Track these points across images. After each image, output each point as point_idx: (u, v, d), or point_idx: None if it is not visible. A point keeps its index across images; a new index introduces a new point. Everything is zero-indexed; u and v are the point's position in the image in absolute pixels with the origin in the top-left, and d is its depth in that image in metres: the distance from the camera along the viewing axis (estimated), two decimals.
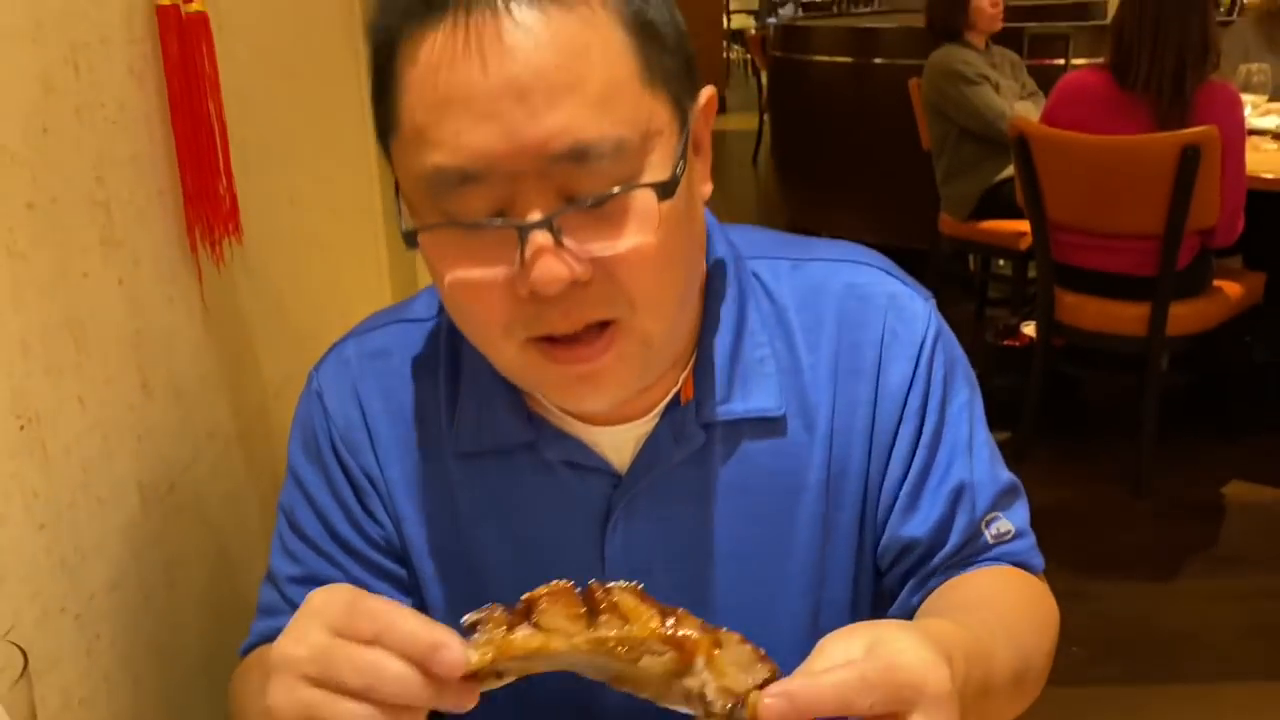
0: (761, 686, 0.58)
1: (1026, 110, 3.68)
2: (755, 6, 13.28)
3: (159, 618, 1.01)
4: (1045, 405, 3.24)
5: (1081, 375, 3.49)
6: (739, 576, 0.85)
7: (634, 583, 0.61)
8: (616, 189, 0.67)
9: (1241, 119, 2.92)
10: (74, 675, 0.86)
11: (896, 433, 0.85)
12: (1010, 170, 3.29)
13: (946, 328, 0.88)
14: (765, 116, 7.35)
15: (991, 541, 0.87)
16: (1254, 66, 3.54)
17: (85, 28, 0.92)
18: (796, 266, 0.87)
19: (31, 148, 0.82)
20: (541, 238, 0.66)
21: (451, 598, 0.88)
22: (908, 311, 0.86)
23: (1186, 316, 2.96)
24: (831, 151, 5.31)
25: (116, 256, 0.95)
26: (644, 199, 0.68)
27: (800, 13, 11.39)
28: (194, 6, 1.04)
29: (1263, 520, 2.98)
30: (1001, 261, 4.29)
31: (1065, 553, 2.64)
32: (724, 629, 0.60)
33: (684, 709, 0.60)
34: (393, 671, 0.58)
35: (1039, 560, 0.90)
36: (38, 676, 0.72)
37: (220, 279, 1.15)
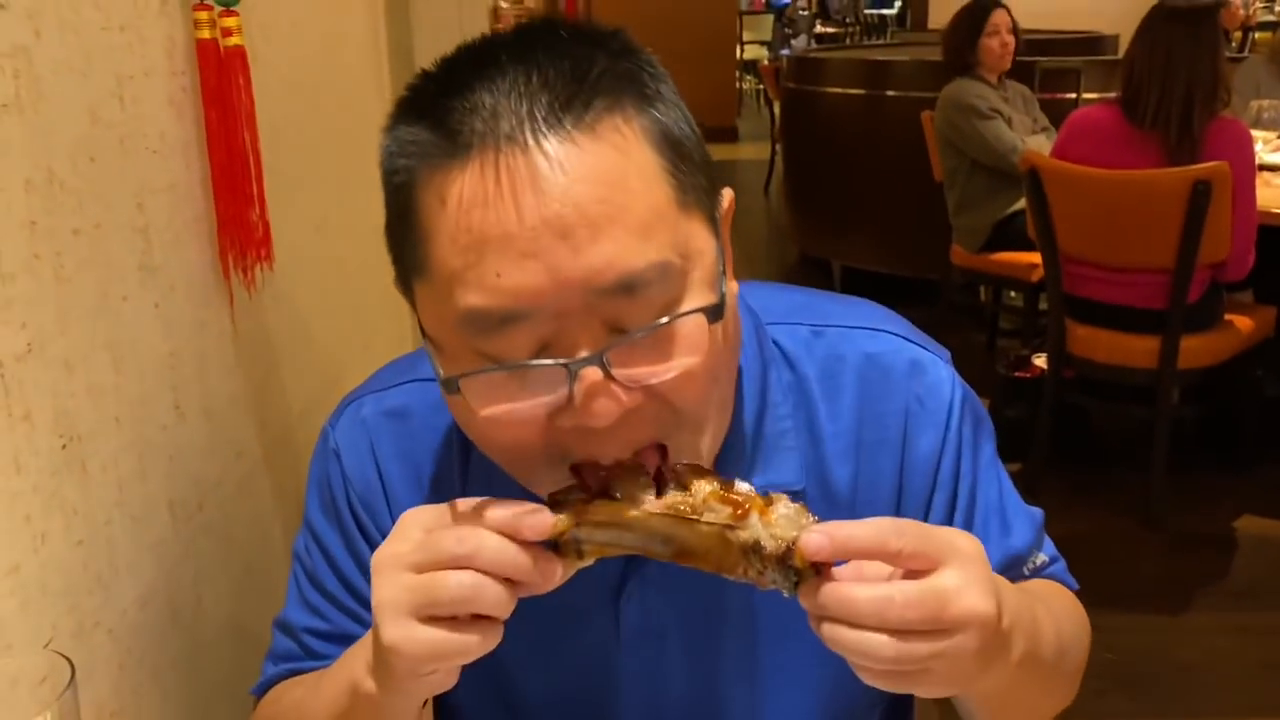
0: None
1: (1039, 144, 3.71)
2: (769, 37, 13.40)
3: (186, 634, 1.04)
4: (1056, 437, 3.25)
5: (1092, 407, 3.49)
6: (753, 641, 0.86)
7: (696, 462, 0.66)
8: (666, 319, 0.65)
9: (1252, 155, 2.94)
10: (107, 689, 0.88)
11: (930, 501, 0.86)
12: (1022, 203, 3.32)
13: (966, 386, 0.88)
14: (777, 146, 7.40)
15: (1028, 574, 0.90)
16: (1265, 103, 3.57)
17: (130, 61, 0.95)
18: (816, 334, 0.86)
19: (80, 176, 0.86)
20: (592, 374, 0.64)
21: (467, 666, 0.89)
22: (930, 378, 0.86)
23: (1197, 350, 2.97)
24: (844, 182, 5.34)
25: (153, 281, 0.98)
26: (693, 323, 0.67)
27: (813, 44, 11.49)
28: (232, 40, 1.08)
29: (1274, 554, 2.98)
30: (1013, 293, 4.30)
31: (1064, 560, 2.63)
32: (775, 494, 0.65)
33: (743, 576, 0.64)
34: (491, 541, 0.62)
35: (1072, 581, 0.93)
36: None
37: (251, 304, 1.18)
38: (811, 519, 0.64)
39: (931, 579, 0.61)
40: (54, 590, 0.81)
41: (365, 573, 0.85)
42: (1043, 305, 3.60)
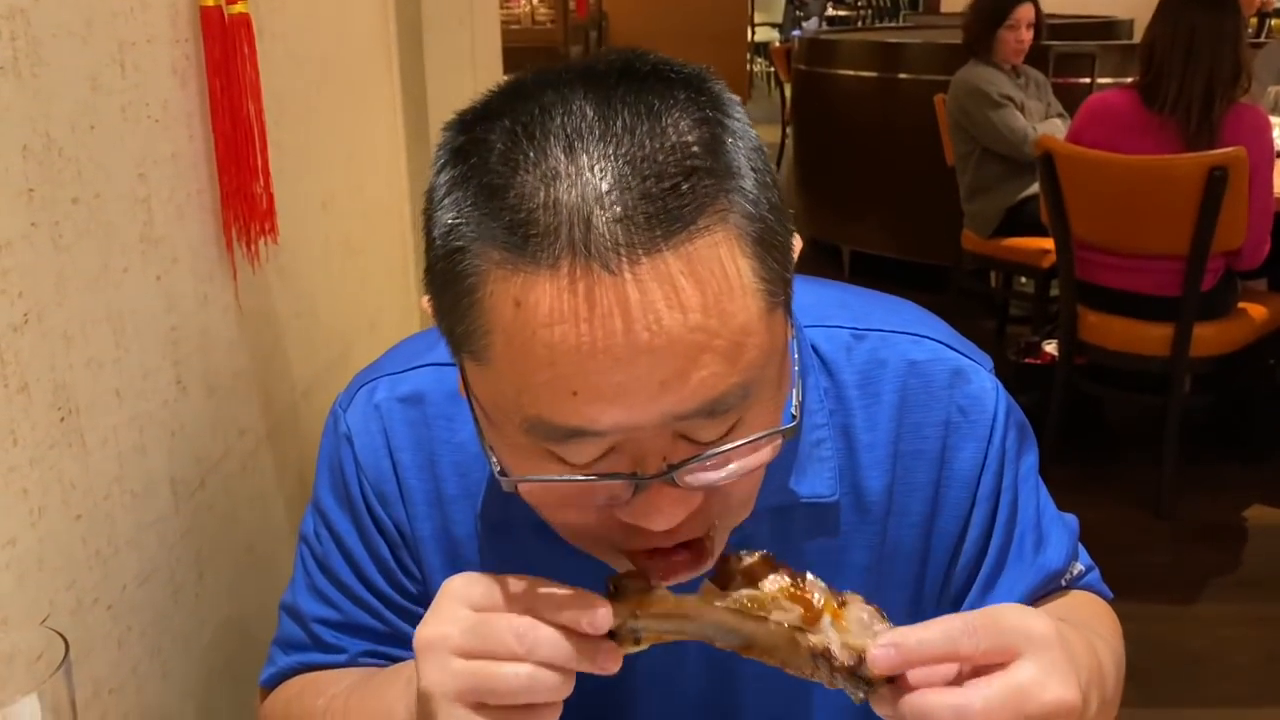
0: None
1: (1053, 129, 3.67)
2: (779, 20, 13.32)
3: (187, 612, 1.02)
4: (1066, 424, 3.23)
5: (1103, 395, 3.47)
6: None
7: (764, 551, 0.64)
8: (742, 441, 0.62)
9: (1270, 142, 2.91)
10: (105, 666, 0.87)
11: (969, 517, 0.83)
12: (1034, 188, 3.29)
13: (1009, 397, 0.85)
14: (788, 129, 7.35)
15: (1065, 585, 0.87)
16: None
17: (132, 27, 0.93)
18: (858, 337, 0.83)
19: (79, 144, 0.84)
20: (657, 485, 0.61)
21: None
22: (974, 388, 0.82)
23: (1210, 338, 2.94)
24: (854, 166, 5.31)
25: (155, 253, 0.97)
26: (767, 441, 0.64)
27: (824, 26, 11.41)
28: (237, 8, 1.06)
29: None
30: (1023, 279, 4.27)
31: (1098, 569, 2.61)
32: (848, 590, 0.63)
33: (809, 676, 0.62)
34: (546, 633, 0.60)
35: (1107, 590, 0.90)
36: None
37: (254, 279, 1.17)
38: (884, 624, 0.61)
39: (1009, 674, 0.58)
40: (52, 565, 0.80)
41: (378, 563, 0.85)
42: (1054, 292, 3.57)
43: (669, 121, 0.59)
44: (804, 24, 11.43)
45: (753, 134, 0.64)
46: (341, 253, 1.54)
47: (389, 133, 1.89)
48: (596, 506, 0.64)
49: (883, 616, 0.61)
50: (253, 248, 1.12)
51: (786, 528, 0.81)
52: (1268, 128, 2.91)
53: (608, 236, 0.56)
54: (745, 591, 0.62)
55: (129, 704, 0.90)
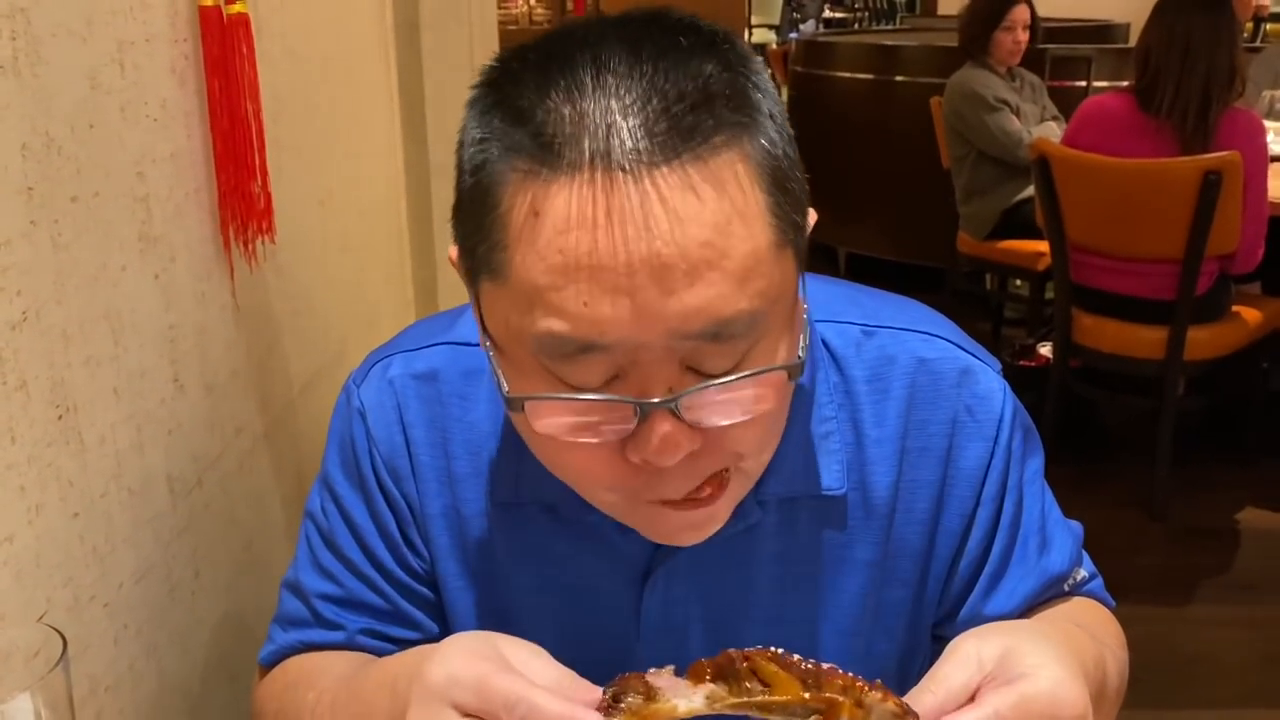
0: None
1: (1048, 132, 3.68)
2: (776, 21, 13.32)
3: (183, 610, 1.03)
4: (1061, 427, 3.24)
5: (1098, 398, 3.48)
6: (776, 644, 0.85)
7: (773, 648, 0.62)
8: (748, 373, 0.63)
9: (1264, 146, 2.92)
10: (101, 663, 0.87)
11: (973, 517, 0.83)
12: (1030, 191, 3.30)
13: (1016, 399, 0.85)
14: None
15: (1067, 590, 0.87)
16: (1277, 94, 3.54)
17: (132, 27, 0.93)
18: (867, 334, 0.83)
19: (78, 142, 0.84)
20: (661, 415, 0.62)
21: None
22: (981, 388, 0.82)
23: (1204, 341, 2.95)
24: (851, 167, 5.31)
25: (154, 252, 0.97)
26: (770, 380, 0.65)
27: (821, 28, 11.42)
28: (236, 8, 1.06)
29: (1277, 547, 2.97)
30: (1019, 281, 4.28)
31: (1101, 577, 2.62)
32: (866, 685, 0.60)
33: None
34: None
35: (1110, 599, 0.91)
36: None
37: (252, 277, 1.17)
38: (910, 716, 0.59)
39: None
40: (49, 563, 0.80)
41: (386, 539, 0.85)
42: (1048, 294, 3.58)
43: (695, 60, 0.62)
44: (801, 26, 11.44)
45: (774, 91, 0.66)
46: (339, 250, 1.55)
47: (386, 131, 1.89)
48: (603, 446, 0.64)
49: (906, 711, 0.59)
50: (250, 246, 1.12)
51: (794, 519, 0.81)
52: (1262, 132, 2.92)
53: (628, 145, 0.58)
54: (758, 699, 0.60)
55: (125, 701, 0.90)
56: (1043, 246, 3.24)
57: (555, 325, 0.60)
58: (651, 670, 0.61)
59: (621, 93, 0.60)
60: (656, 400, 0.61)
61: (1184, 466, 3.13)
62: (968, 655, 0.62)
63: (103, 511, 0.88)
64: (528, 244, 0.60)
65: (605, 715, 0.59)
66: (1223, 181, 2.69)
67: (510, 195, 0.61)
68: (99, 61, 0.88)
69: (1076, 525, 0.90)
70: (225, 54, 1.05)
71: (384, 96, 1.88)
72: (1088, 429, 3.58)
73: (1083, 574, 0.88)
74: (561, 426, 0.64)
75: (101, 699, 0.87)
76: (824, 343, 0.83)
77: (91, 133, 0.86)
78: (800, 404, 0.80)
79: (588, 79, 0.60)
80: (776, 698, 0.60)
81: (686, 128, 0.59)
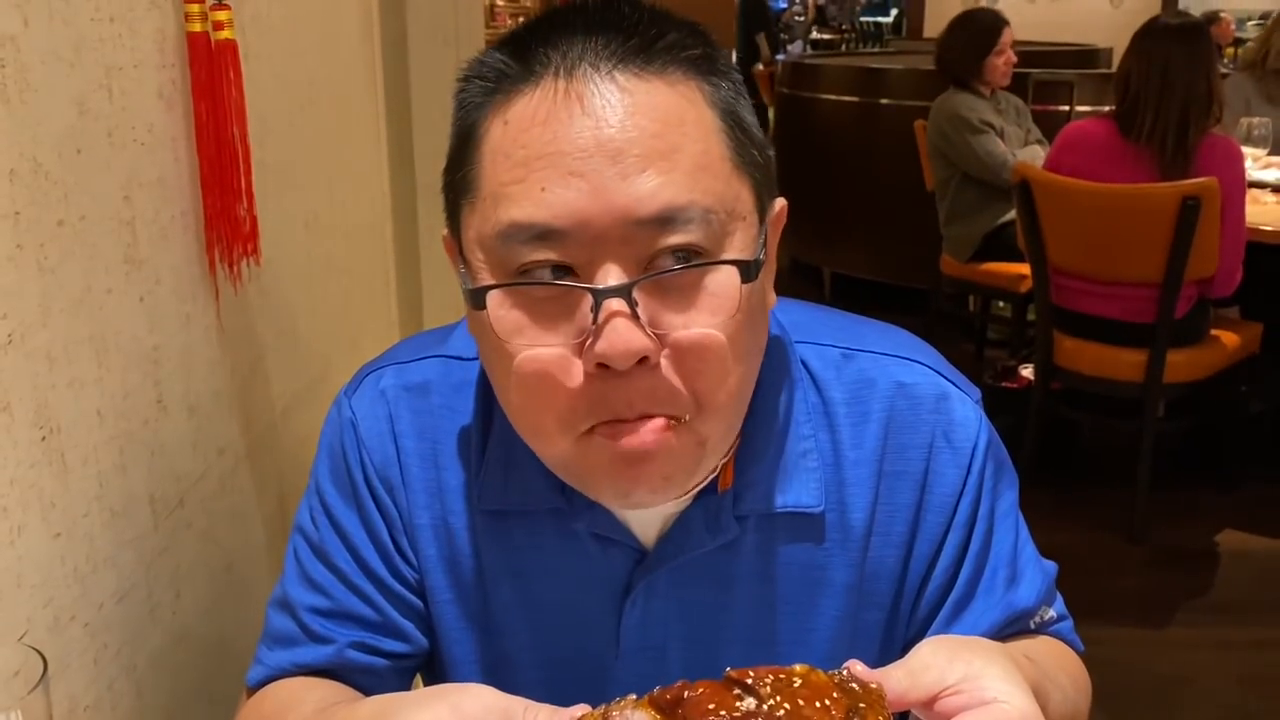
0: None
1: (1032, 155, 3.73)
2: (763, 45, 13.40)
3: (164, 630, 1.03)
4: (1042, 449, 3.26)
5: (1078, 420, 3.50)
6: (754, 662, 0.85)
7: (726, 674, 0.61)
8: (701, 262, 0.66)
9: (1242, 172, 2.96)
10: (81, 683, 0.88)
11: (943, 541, 0.84)
12: (1012, 214, 3.33)
13: (993, 430, 0.86)
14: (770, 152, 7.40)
15: (1034, 628, 0.87)
16: (1255, 120, 3.59)
17: (120, 53, 0.95)
18: (847, 357, 0.85)
19: (65, 167, 0.85)
20: (617, 304, 0.64)
21: (468, 650, 0.88)
22: (958, 415, 0.84)
23: (1183, 364, 2.99)
24: (836, 189, 5.35)
25: (139, 275, 0.98)
26: (725, 279, 0.67)
27: (809, 51, 11.49)
28: (223, 34, 1.07)
29: (1256, 570, 3.00)
30: (1001, 303, 4.32)
31: (1071, 619, 2.64)
32: (844, 671, 0.60)
33: None
34: None
35: (1079, 643, 0.91)
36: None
37: (236, 299, 1.18)
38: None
39: None
40: (30, 583, 0.81)
41: (379, 548, 0.86)
42: (1030, 316, 3.61)
43: (665, 19, 0.70)
44: (788, 48, 11.52)
45: (737, 76, 0.73)
46: (324, 272, 1.56)
47: (373, 154, 1.91)
48: (560, 359, 0.66)
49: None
50: (235, 269, 1.13)
51: (772, 538, 0.82)
52: (1240, 158, 2.97)
53: (590, 58, 0.67)
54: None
55: None
56: (1025, 269, 3.27)
57: (516, 213, 0.66)
58: (614, 709, 0.61)
59: (592, 24, 0.68)
60: (612, 284, 0.64)
61: (1163, 489, 3.16)
62: (930, 666, 0.62)
63: (84, 532, 0.88)
64: (495, 149, 0.68)
65: None
66: (1201, 206, 2.73)
67: (486, 116, 0.69)
68: (87, 87, 0.89)
69: (1050, 565, 0.90)
70: (212, 79, 1.07)
71: (371, 119, 1.89)
72: (1068, 451, 3.61)
73: (1051, 614, 0.88)
74: (521, 320, 0.67)
75: (80, 718, 0.87)
76: (804, 363, 0.84)
77: (79, 158, 0.87)
78: (779, 422, 0.81)
79: (563, 26, 0.69)
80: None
81: (648, 51, 0.68)
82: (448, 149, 0.74)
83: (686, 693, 0.59)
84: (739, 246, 0.69)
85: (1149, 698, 2.45)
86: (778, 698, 0.58)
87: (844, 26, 13.32)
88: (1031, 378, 3.34)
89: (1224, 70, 4.58)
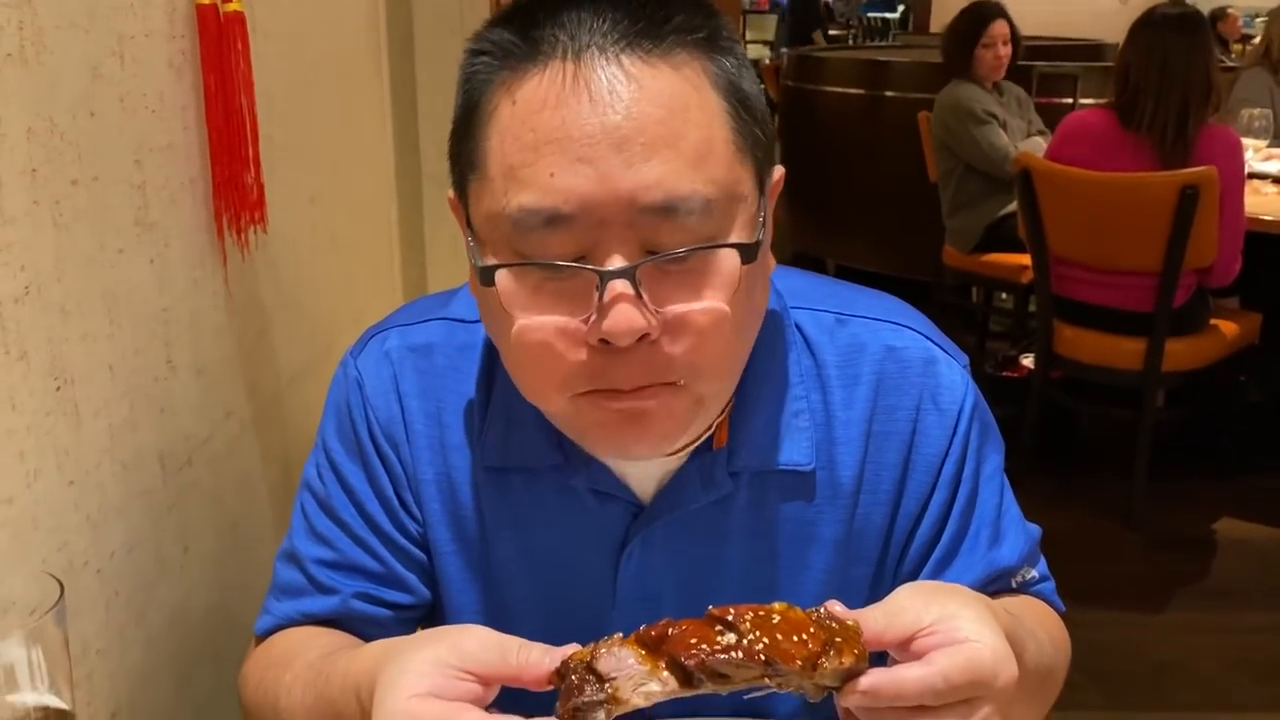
0: (852, 675, 0.62)
1: (1034, 147, 3.74)
2: (771, 37, 13.42)
3: (171, 583, 1.06)
4: (1041, 436, 3.28)
5: (1078, 408, 3.53)
6: None
7: (715, 610, 0.63)
8: (702, 246, 0.68)
9: (1242, 163, 2.98)
10: (93, 627, 0.91)
11: (928, 500, 0.86)
12: (1014, 205, 3.35)
13: (979, 392, 0.89)
14: (776, 145, 7.43)
15: (1015, 587, 0.90)
16: (1255, 111, 3.61)
17: (132, 21, 0.98)
18: (840, 322, 0.87)
19: (79, 129, 0.88)
20: (621, 285, 0.66)
21: (470, 601, 0.90)
22: (945, 379, 0.86)
23: (1182, 353, 3.00)
24: (840, 181, 5.37)
25: (149, 237, 1.01)
26: (726, 260, 0.69)
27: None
28: (232, 6, 1.11)
29: (1252, 557, 3.02)
30: (1004, 295, 4.34)
31: (1054, 581, 2.66)
32: (823, 656, 0.61)
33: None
34: None
35: (1060, 603, 0.93)
36: None
37: (244, 266, 1.21)
38: (860, 661, 0.62)
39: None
40: (45, 526, 0.84)
41: (382, 502, 0.89)
42: (1033, 307, 3.63)
43: (673, 2, 0.71)
44: None
45: (741, 50, 0.75)
46: (328, 247, 1.59)
47: (377, 133, 1.94)
48: (564, 331, 0.69)
49: (858, 656, 0.62)
50: (243, 236, 1.16)
51: (764, 494, 0.85)
52: (1239, 148, 2.98)
53: (597, 39, 0.68)
54: (706, 689, 0.62)
55: (114, 665, 0.94)
56: (1027, 260, 3.29)
57: (525, 199, 0.68)
58: (602, 646, 0.63)
59: (597, 8, 0.69)
60: (616, 268, 0.67)
61: (1162, 477, 3.18)
62: (906, 607, 0.65)
63: (96, 482, 0.92)
64: (504, 129, 0.69)
65: None
66: (1200, 196, 2.75)
67: (494, 91, 0.71)
68: (100, 53, 0.92)
69: (1034, 528, 0.93)
70: (221, 50, 1.10)
71: (376, 100, 1.92)
72: (1068, 439, 3.63)
73: (1033, 574, 0.91)
74: (528, 297, 0.70)
75: (93, 661, 0.90)
76: (798, 327, 0.87)
77: (92, 120, 0.91)
78: (773, 384, 0.84)
79: (569, 3, 0.70)
80: (731, 685, 0.62)
81: (654, 33, 0.69)
82: (453, 115, 0.76)
83: (670, 630, 0.62)
84: (739, 228, 0.71)
85: (1145, 680, 2.47)
86: (757, 632, 0.61)
87: (850, 22, 13.31)
88: (1032, 367, 3.36)
89: (1230, 64, 4.60)
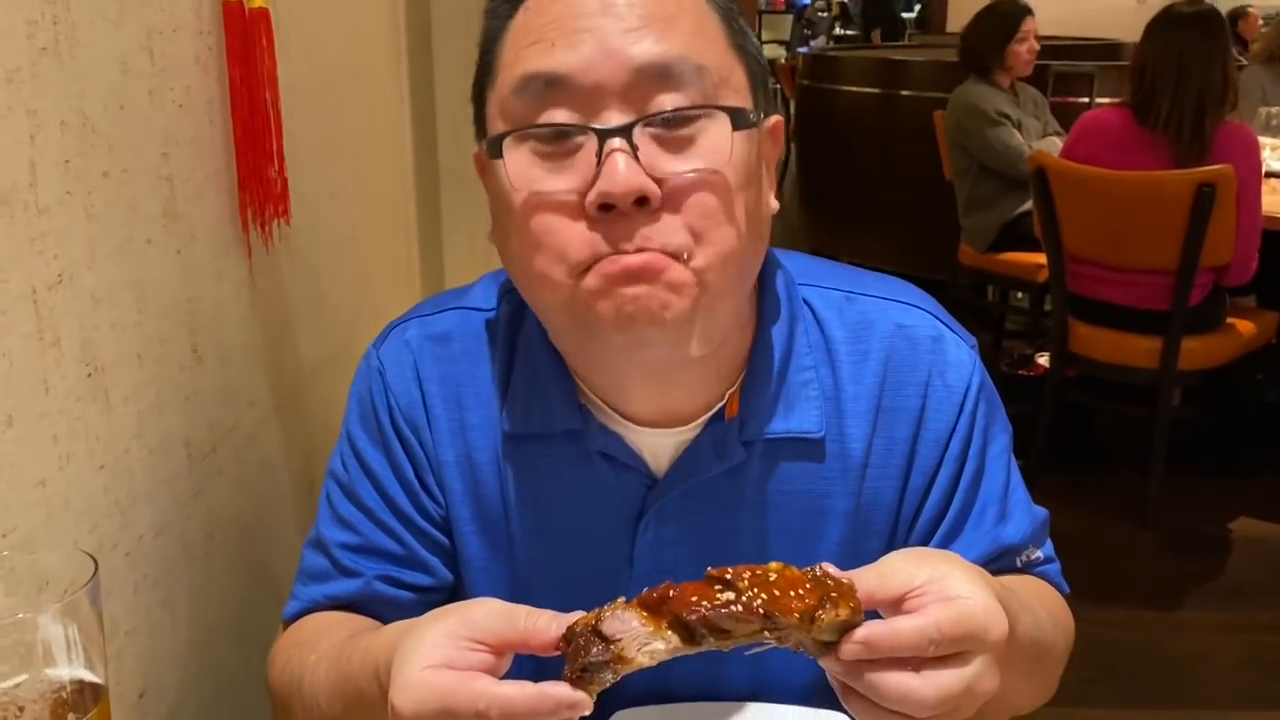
0: (848, 628, 0.64)
1: (1049, 147, 3.74)
2: (787, 37, 13.43)
3: (196, 569, 1.08)
4: (1057, 435, 3.29)
5: (1093, 406, 3.52)
6: None
7: (714, 571, 0.65)
8: (695, 106, 0.73)
9: (1259, 161, 2.98)
10: (121, 608, 0.93)
11: (935, 474, 0.88)
12: (1030, 204, 3.35)
13: (987, 373, 0.91)
14: (791, 145, 7.44)
15: (1020, 566, 0.92)
16: (1274, 109, 3.60)
17: (160, 17, 1.00)
18: (849, 299, 0.90)
19: (110, 122, 0.90)
20: (618, 143, 0.71)
21: (491, 578, 0.93)
22: (953, 356, 0.88)
23: (1198, 351, 3.00)
24: (856, 180, 5.38)
25: (176, 228, 1.03)
26: (718, 130, 0.74)
27: (831, 44, 11.51)
28: (256, 3, 1.13)
29: (1268, 555, 3.01)
30: (1020, 294, 4.34)
31: (1068, 578, 2.64)
32: (820, 610, 0.63)
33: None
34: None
35: (1064, 584, 0.95)
36: None
37: (267, 258, 1.23)
38: (857, 614, 0.63)
39: (963, 672, 0.64)
40: (76, 508, 0.86)
41: (404, 485, 0.91)
42: (1048, 306, 3.63)
43: None
44: (811, 43, 11.53)
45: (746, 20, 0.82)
46: (349, 242, 1.61)
47: (396, 130, 1.96)
48: (568, 205, 0.73)
49: (853, 609, 0.63)
50: (266, 229, 1.18)
51: (776, 463, 0.87)
52: (1256, 147, 2.98)
53: None
54: (709, 645, 0.64)
55: (141, 646, 0.96)
56: (1042, 259, 3.29)
57: (528, 67, 0.74)
58: (606, 610, 0.65)
59: None
60: (614, 125, 0.72)
61: (1178, 476, 3.18)
62: (898, 569, 0.67)
63: (125, 467, 0.94)
64: (516, 30, 0.77)
65: (573, 685, 0.63)
66: (1216, 194, 2.75)
67: (510, 17, 0.78)
68: (130, 48, 0.95)
69: (1041, 511, 0.94)
70: (246, 46, 1.12)
71: (395, 97, 1.94)
72: (1083, 437, 3.63)
73: (1038, 555, 0.92)
74: (533, 169, 0.75)
75: (121, 641, 0.93)
76: (807, 303, 0.90)
77: (122, 113, 0.93)
78: (782, 354, 0.87)
79: None
80: (733, 640, 0.64)
81: None
82: (478, 63, 0.82)
83: (672, 592, 0.65)
84: (733, 102, 0.76)
85: (1160, 678, 2.47)
86: (755, 589, 0.63)
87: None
88: (1048, 365, 3.36)
89: (1242, 62, 4.58)
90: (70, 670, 0.67)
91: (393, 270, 1.96)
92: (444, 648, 0.66)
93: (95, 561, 0.67)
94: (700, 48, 0.75)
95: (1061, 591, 0.95)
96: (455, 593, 0.95)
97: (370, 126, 1.78)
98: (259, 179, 1.15)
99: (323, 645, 0.86)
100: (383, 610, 0.92)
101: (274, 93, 1.16)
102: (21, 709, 0.64)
